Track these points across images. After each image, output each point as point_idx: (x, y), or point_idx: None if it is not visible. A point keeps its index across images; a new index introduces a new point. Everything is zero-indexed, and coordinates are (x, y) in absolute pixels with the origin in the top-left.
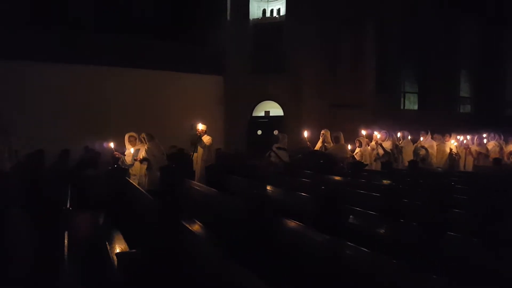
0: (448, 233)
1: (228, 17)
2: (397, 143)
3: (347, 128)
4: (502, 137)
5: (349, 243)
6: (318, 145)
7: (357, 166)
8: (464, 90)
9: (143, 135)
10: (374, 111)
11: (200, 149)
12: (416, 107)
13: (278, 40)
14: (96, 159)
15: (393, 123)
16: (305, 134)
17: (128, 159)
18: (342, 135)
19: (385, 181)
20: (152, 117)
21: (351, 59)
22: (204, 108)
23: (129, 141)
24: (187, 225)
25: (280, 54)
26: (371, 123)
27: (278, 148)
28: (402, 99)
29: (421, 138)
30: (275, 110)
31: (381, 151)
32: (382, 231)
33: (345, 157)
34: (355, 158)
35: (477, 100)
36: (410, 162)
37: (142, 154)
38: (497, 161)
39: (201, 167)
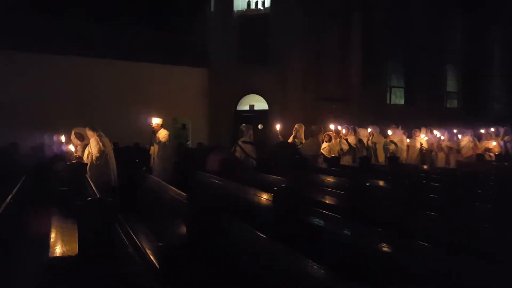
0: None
1: (212, 8)
2: (360, 137)
3: (332, 122)
4: (503, 130)
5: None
6: (290, 140)
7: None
8: (451, 85)
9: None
10: (360, 106)
11: (155, 146)
12: (402, 102)
13: (263, 32)
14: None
15: (379, 118)
16: (277, 127)
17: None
18: (321, 129)
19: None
20: (133, 110)
21: (337, 52)
22: (187, 101)
23: (76, 138)
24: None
25: (265, 46)
26: (357, 118)
27: (244, 142)
28: (388, 94)
29: (390, 132)
30: (260, 103)
31: (345, 147)
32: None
33: (316, 155)
34: (322, 153)
35: (464, 95)
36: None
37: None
38: (480, 157)
39: (157, 165)
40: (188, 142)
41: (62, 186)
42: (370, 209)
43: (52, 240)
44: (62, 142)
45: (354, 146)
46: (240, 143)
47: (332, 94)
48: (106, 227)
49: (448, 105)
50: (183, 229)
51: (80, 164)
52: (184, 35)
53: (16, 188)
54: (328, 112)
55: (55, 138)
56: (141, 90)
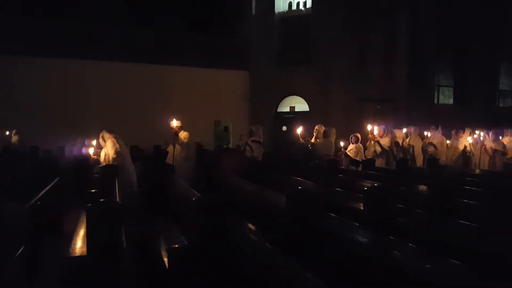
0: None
1: (253, 11)
2: (397, 139)
3: (376, 124)
4: None
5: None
6: (312, 141)
7: (333, 164)
8: (505, 84)
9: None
10: (406, 106)
11: (177, 147)
12: (451, 102)
13: (305, 33)
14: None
15: (426, 119)
16: (299, 130)
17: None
18: (334, 131)
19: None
20: (177, 113)
21: (381, 51)
22: (229, 103)
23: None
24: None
25: (306, 47)
26: (402, 119)
27: (253, 141)
28: (436, 93)
29: (429, 134)
30: (301, 105)
31: (378, 149)
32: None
33: (329, 154)
34: (348, 155)
35: None
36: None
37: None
38: None
39: (179, 165)
40: (229, 145)
41: (94, 188)
42: (396, 217)
43: (73, 240)
44: (93, 146)
45: (387, 148)
46: (249, 142)
47: (377, 94)
48: (113, 229)
49: (501, 105)
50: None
51: (111, 166)
52: (225, 38)
53: (48, 187)
54: (372, 113)
55: (86, 142)
56: (183, 93)
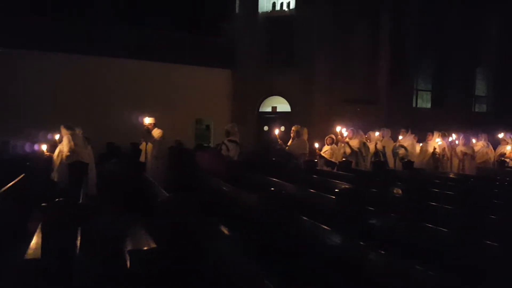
0: None
1: (237, 10)
2: (364, 141)
3: (358, 125)
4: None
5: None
6: (289, 143)
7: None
8: (480, 89)
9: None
10: (387, 108)
11: (149, 144)
12: (429, 105)
13: (288, 34)
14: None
15: (406, 121)
16: (276, 132)
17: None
18: (305, 130)
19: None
20: (157, 111)
21: (364, 54)
22: (211, 102)
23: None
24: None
25: (290, 48)
26: (383, 120)
27: (229, 140)
28: (414, 97)
29: (400, 137)
30: (282, 105)
31: (348, 150)
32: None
33: (304, 153)
34: (323, 156)
35: (494, 99)
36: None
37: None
38: (501, 163)
39: (151, 163)
40: (210, 144)
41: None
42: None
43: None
44: (56, 141)
45: (356, 150)
46: (226, 141)
47: (358, 96)
48: (68, 230)
49: (476, 110)
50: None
51: (79, 164)
52: (208, 37)
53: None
54: (353, 114)
55: (48, 136)
56: (164, 90)
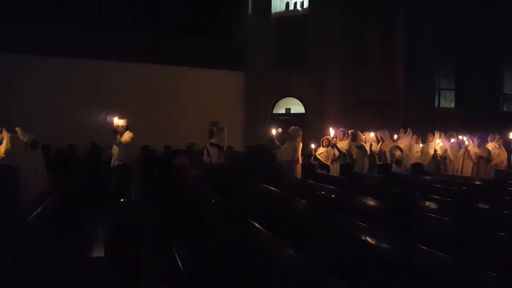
0: None
1: (250, 11)
2: (362, 143)
3: (374, 127)
4: None
5: None
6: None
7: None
8: (508, 87)
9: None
10: (405, 109)
11: (115, 147)
12: (452, 105)
13: (301, 34)
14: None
15: (426, 122)
16: (274, 132)
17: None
18: (300, 132)
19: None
20: (170, 113)
21: (379, 52)
22: (223, 104)
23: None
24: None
25: (302, 48)
26: (401, 122)
27: (211, 144)
28: (436, 96)
29: (395, 136)
30: (296, 107)
31: (336, 152)
32: None
33: (288, 160)
34: (318, 158)
35: None
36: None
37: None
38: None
39: (115, 167)
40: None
41: None
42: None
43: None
44: None
45: (344, 152)
46: (207, 145)
47: (374, 96)
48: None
49: (504, 109)
50: None
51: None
52: (221, 39)
53: None
54: (369, 116)
55: None
56: (178, 94)
